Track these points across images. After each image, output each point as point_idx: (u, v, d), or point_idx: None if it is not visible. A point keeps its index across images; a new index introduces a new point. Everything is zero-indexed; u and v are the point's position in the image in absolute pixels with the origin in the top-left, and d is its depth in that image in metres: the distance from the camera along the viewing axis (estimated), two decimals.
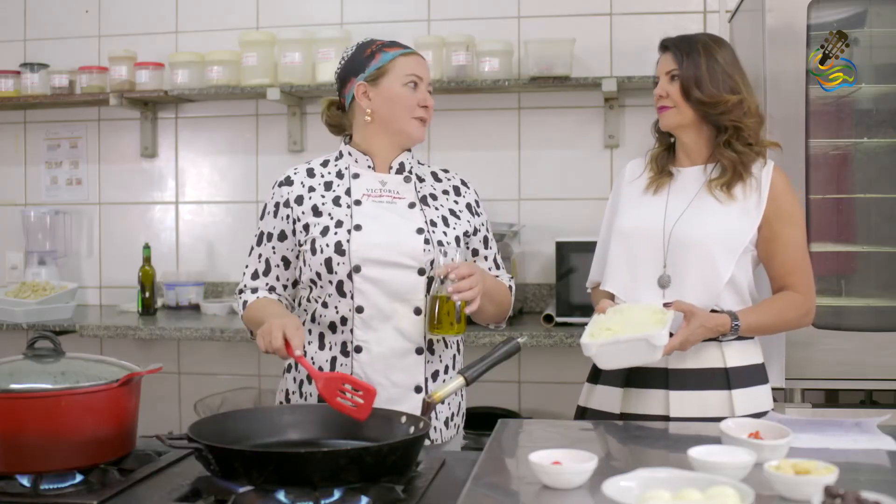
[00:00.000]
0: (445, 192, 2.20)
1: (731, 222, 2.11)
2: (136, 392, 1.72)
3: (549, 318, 3.36)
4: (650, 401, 2.10)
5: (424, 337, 2.07)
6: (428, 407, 1.75)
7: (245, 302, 2.15)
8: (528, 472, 1.47)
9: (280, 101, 3.75)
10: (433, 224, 2.10)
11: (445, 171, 2.26)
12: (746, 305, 2.13)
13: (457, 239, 2.12)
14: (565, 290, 3.40)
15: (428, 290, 2.05)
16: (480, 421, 3.06)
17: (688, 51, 2.15)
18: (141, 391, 1.76)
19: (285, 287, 2.17)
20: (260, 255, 2.16)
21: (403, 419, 1.69)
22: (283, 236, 2.14)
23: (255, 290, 2.16)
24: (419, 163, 2.23)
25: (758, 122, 2.16)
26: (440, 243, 2.07)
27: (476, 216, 2.21)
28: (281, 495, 1.45)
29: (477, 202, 2.24)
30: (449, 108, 3.82)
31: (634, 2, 3.73)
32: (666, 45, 2.21)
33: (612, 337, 1.95)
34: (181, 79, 3.81)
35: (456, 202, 2.19)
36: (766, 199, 2.12)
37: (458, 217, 2.16)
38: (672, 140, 2.27)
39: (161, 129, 4.10)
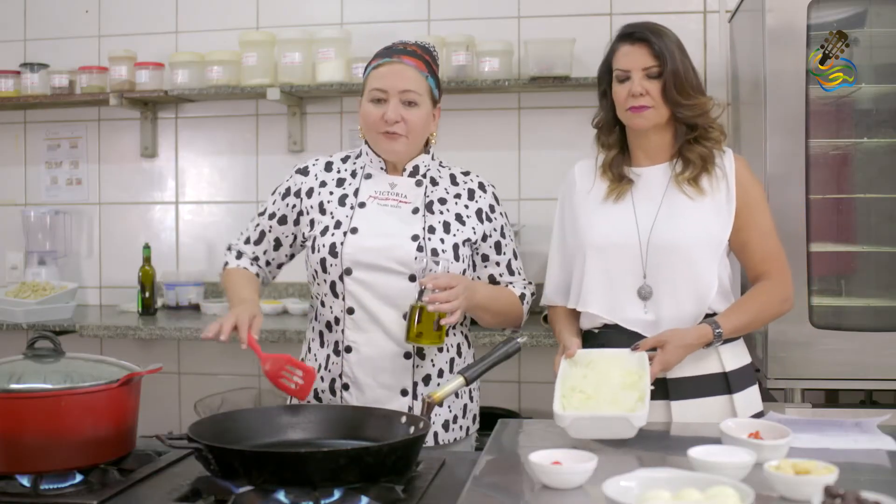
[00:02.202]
0: (458, 197, 2.16)
1: (708, 222, 2.05)
2: (136, 392, 1.73)
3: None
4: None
5: None
6: (429, 407, 1.75)
7: (227, 263, 2.24)
8: (528, 472, 1.47)
9: (280, 101, 3.75)
10: (431, 230, 2.08)
11: (466, 173, 2.22)
12: (728, 299, 2.08)
13: (455, 246, 2.08)
14: None
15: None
16: (480, 421, 3.05)
17: (667, 45, 2.04)
18: (141, 391, 1.76)
19: (268, 263, 2.24)
20: (258, 226, 2.22)
21: (403, 419, 1.69)
22: (283, 220, 2.18)
23: (239, 256, 2.23)
24: (441, 165, 2.21)
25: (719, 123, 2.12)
26: (434, 252, 2.05)
27: (487, 222, 2.16)
28: (281, 495, 1.45)
29: (492, 207, 2.18)
30: (449, 108, 3.77)
31: (634, 2, 3.72)
32: (641, 36, 2.05)
33: (589, 412, 1.80)
34: (181, 79, 3.81)
35: (466, 206, 2.15)
36: (735, 191, 2.07)
37: (462, 223, 2.12)
38: (616, 136, 2.15)
39: (161, 129, 4.10)
